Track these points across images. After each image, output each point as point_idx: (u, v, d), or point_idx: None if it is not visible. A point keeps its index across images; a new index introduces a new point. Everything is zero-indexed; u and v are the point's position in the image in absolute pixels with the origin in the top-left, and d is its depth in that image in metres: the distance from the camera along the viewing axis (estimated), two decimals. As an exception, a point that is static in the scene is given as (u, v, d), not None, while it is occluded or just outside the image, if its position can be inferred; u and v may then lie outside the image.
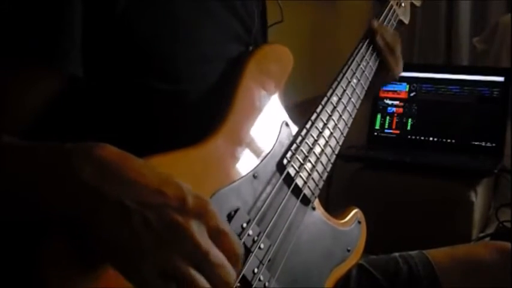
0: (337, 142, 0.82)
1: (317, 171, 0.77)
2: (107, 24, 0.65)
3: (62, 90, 0.66)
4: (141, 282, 0.49)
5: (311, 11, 2.13)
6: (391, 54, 1.01)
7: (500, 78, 1.80)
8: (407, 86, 1.91)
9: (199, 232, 0.50)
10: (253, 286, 0.64)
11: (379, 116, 1.93)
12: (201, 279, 0.49)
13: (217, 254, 0.50)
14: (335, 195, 1.66)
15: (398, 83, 1.91)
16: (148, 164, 0.54)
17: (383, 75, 1.02)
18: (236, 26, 0.80)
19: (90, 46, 0.65)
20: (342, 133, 0.83)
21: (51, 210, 0.52)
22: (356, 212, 0.86)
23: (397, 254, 0.93)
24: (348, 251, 0.80)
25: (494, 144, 1.77)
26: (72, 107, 0.68)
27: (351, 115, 0.86)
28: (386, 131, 1.92)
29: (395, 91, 1.91)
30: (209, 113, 0.70)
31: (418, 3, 1.19)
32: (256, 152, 0.71)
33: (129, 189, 0.50)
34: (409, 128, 1.89)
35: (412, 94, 1.91)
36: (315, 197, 0.77)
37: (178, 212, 0.50)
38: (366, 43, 0.97)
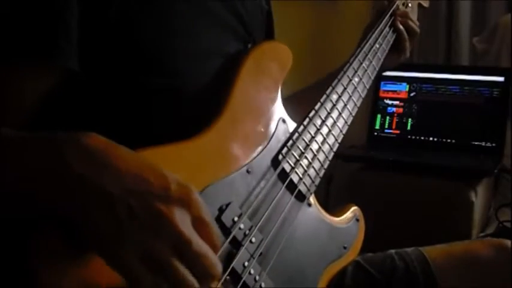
0: (336, 139, 0.82)
1: (313, 167, 0.77)
2: (104, 19, 0.66)
3: (60, 86, 0.67)
4: (124, 268, 0.49)
5: (311, 11, 2.13)
6: (411, 40, 1.03)
7: (500, 78, 1.80)
8: (407, 86, 1.91)
9: (182, 221, 0.50)
10: (243, 279, 0.64)
11: (379, 116, 1.93)
12: (181, 268, 0.50)
13: (200, 244, 0.51)
14: (335, 194, 1.66)
15: (398, 83, 1.91)
16: (134, 153, 0.54)
17: (393, 58, 1.03)
18: (234, 23, 0.81)
19: (87, 41, 0.66)
20: (341, 131, 0.83)
21: (39, 199, 0.52)
22: (354, 210, 0.85)
23: (393, 251, 0.93)
24: (345, 248, 0.80)
25: (494, 144, 1.76)
26: (70, 102, 0.69)
27: (351, 113, 0.86)
28: (386, 131, 1.92)
29: (395, 91, 1.91)
30: (206, 108, 0.70)
31: (426, 4, 1.17)
32: (251, 147, 0.71)
33: (114, 176, 0.51)
34: (409, 128, 1.89)
35: (412, 94, 1.90)
36: (311, 193, 0.76)
37: (161, 200, 0.50)
38: (377, 30, 0.97)
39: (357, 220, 0.84)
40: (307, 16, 2.11)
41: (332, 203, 1.51)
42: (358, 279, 0.88)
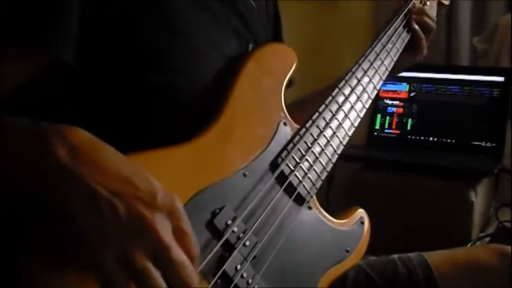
0: (341, 142, 0.81)
1: (315, 170, 0.76)
2: (104, 16, 0.66)
3: (54, 79, 0.67)
4: (100, 267, 0.50)
5: (311, 11, 2.13)
6: (428, 37, 1.01)
7: (500, 78, 1.80)
8: (407, 86, 1.91)
9: (163, 228, 0.51)
10: (235, 282, 0.64)
11: (379, 116, 1.93)
12: (155, 274, 0.50)
13: (178, 252, 0.52)
14: (335, 195, 1.66)
15: (398, 83, 1.91)
16: (121, 155, 0.55)
17: (410, 58, 1.02)
18: (236, 22, 0.80)
19: (87, 37, 0.66)
20: (346, 133, 0.82)
21: (24, 190, 0.53)
22: (359, 213, 0.84)
23: (396, 256, 0.93)
24: (347, 251, 0.79)
25: (494, 144, 1.76)
26: (67, 98, 0.69)
27: (358, 115, 0.84)
28: (386, 131, 1.92)
29: (395, 91, 1.91)
30: (205, 109, 0.70)
31: (446, 2, 1.14)
32: (249, 150, 0.71)
33: (101, 175, 0.52)
34: (409, 128, 1.89)
35: (412, 94, 1.90)
36: (311, 196, 0.76)
37: (146, 205, 0.51)
38: (391, 27, 0.95)
39: (362, 223, 0.83)
40: (307, 16, 2.10)
41: (332, 203, 1.51)
42: (359, 284, 0.88)
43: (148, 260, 0.50)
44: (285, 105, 0.77)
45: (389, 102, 1.93)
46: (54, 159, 0.51)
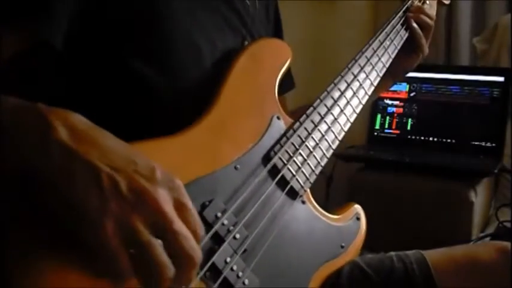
0: (336, 137, 0.80)
1: (309, 164, 0.76)
2: (100, 7, 0.67)
3: (42, 61, 0.67)
4: (101, 243, 0.49)
5: (311, 11, 2.13)
6: (426, 35, 1.00)
7: (500, 78, 1.80)
8: (407, 86, 1.91)
9: (165, 201, 0.51)
10: (223, 274, 0.63)
11: (379, 116, 1.93)
12: (158, 248, 0.50)
13: (180, 224, 0.51)
14: (335, 195, 1.66)
15: (398, 83, 1.91)
16: (116, 137, 0.55)
17: (413, 58, 1.01)
18: (232, 18, 0.81)
19: (81, 27, 0.66)
20: (342, 128, 0.81)
21: (24, 166, 0.52)
22: (355, 208, 0.83)
23: (393, 253, 0.91)
24: (342, 247, 0.78)
25: (494, 144, 1.76)
26: (56, 84, 0.69)
27: (354, 110, 0.84)
28: (386, 131, 1.92)
29: (395, 91, 1.91)
30: (197, 102, 0.70)
31: (447, 2, 1.13)
32: (241, 144, 0.70)
33: (102, 153, 0.52)
34: (409, 128, 1.89)
35: (412, 94, 1.90)
36: (305, 191, 0.75)
37: (147, 180, 0.52)
38: (389, 25, 0.95)
39: (358, 219, 0.82)
40: (307, 16, 2.11)
41: (332, 203, 1.51)
42: (355, 280, 0.86)
43: (151, 234, 0.50)
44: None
45: (389, 102, 1.93)
46: (56, 138, 0.52)
